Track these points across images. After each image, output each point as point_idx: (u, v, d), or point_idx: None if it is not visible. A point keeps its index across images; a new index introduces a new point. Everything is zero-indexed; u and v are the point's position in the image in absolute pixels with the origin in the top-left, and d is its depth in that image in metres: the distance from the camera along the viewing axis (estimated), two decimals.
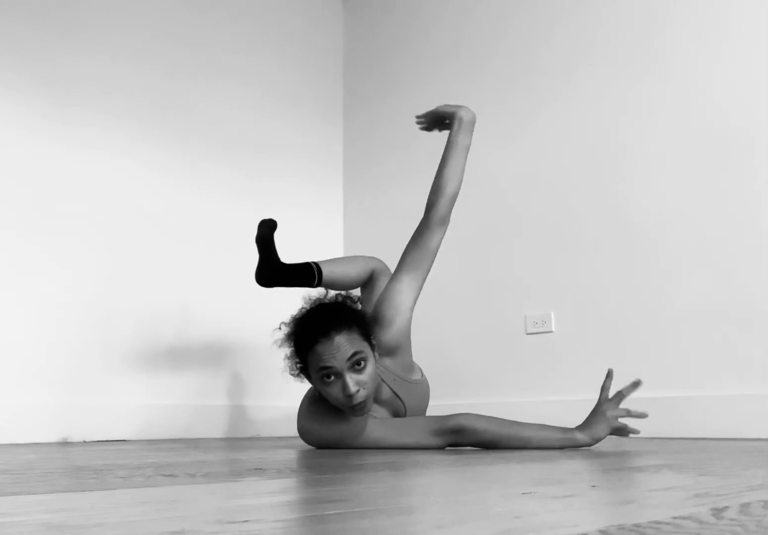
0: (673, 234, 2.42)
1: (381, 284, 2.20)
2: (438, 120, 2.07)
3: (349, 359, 1.61)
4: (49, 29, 2.68)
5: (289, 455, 1.58)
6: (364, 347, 1.66)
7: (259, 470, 1.14)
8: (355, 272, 2.21)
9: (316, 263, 2.16)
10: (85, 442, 2.43)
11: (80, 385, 2.53)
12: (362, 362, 1.63)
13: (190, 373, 2.85)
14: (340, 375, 1.62)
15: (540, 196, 2.81)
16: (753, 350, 2.18)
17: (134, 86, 2.89)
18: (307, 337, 1.65)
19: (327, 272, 2.15)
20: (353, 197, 3.56)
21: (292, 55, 3.52)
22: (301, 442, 2.02)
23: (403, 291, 1.85)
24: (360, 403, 1.64)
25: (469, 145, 1.96)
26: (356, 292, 2.28)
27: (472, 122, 1.98)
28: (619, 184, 2.59)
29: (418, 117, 2.09)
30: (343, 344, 1.61)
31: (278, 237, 2.24)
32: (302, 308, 1.76)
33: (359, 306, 1.80)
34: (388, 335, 1.81)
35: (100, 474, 1.08)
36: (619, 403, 1.60)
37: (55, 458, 1.55)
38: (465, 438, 1.65)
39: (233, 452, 1.81)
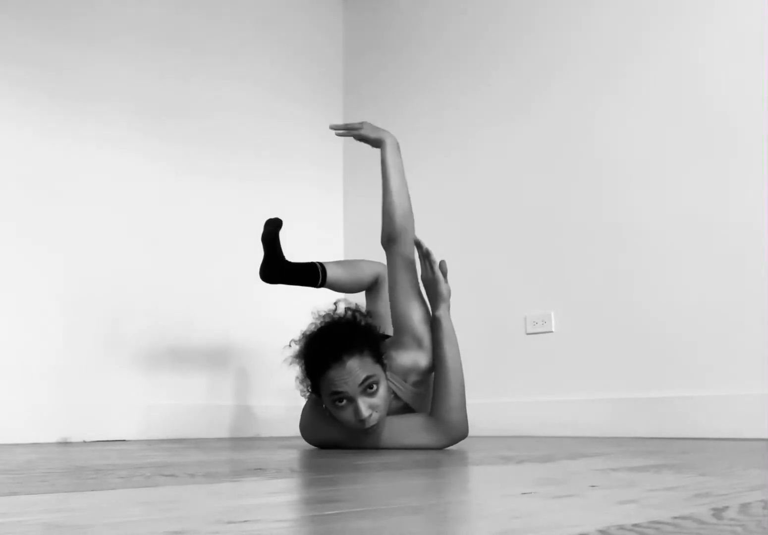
0: (673, 234, 2.42)
1: (386, 290, 2.20)
2: (363, 140, 2.05)
3: (362, 383, 1.59)
4: (52, 30, 2.68)
5: (290, 455, 1.58)
6: (377, 369, 1.63)
7: (259, 470, 1.14)
8: (360, 276, 2.20)
9: (320, 264, 2.16)
10: (85, 442, 2.43)
11: (80, 385, 2.53)
12: (374, 386, 1.61)
13: (191, 373, 2.85)
14: (352, 400, 1.60)
15: (540, 196, 2.81)
16: (752, 350, 2.18)
17: (133, 88, 2.89)
18: (318, 361, 1.63)
19: (331, 273, 2.15)
20: (353, 195, 3.56)
21: (292, 54, 3.52)
22: (301, 442, 2.02)
23: (423, 313, 1.83)
24: (371, 426, 1.63)
25: (402, 164, 1.99)
26: (360, 296, 2.27)
27: (398, 145, 2.02)
28: (618, 186, 2.58)
29: (337, 128, 2.06)
30: (356, 369, 1.59)
31: (280, 232, 2.23)
32: (312, 324, 1.73)
33: (370, 320, 1.76)
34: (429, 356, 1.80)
35: (100, 474, 1.08)
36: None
37: (55, 458, 1.55)
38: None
39: (233, 452, 1.81)
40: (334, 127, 2.07)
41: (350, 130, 2.05)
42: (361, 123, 2.04)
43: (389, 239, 1.91)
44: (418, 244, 1.81)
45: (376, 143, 2.02)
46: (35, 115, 2.61)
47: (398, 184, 1.94)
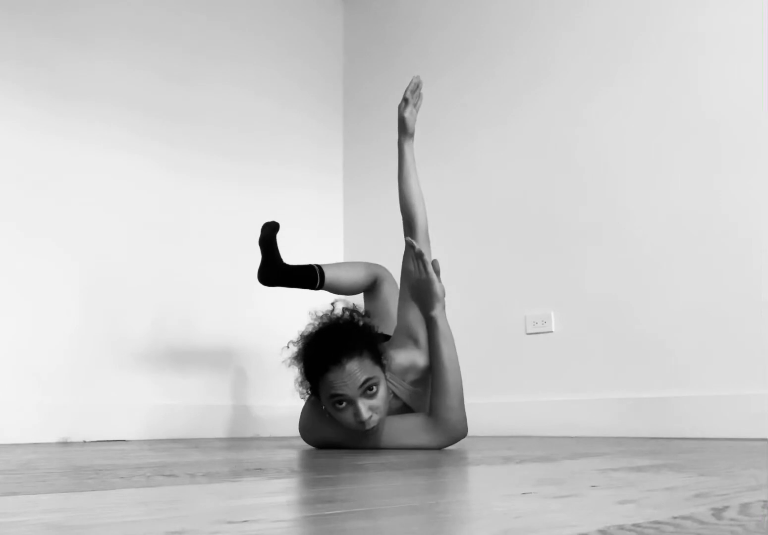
0: (673, 235, 2.42)
1: (384, 291, 2.20)
2: (408, 116, 2.07)
3: (361, 385, 1.58)
4: (52, 30, 2.68)
5: (289, 455, 1.58)
6: (376, 371, 1.62)
7: (259, 470, 1.14)
8: (358, 277, 2.20)
9: (318, 266, 2.16)
10: (85, 442, 2.43)
11: (80, 385, 2.53)
12: (374, 387, 1.60)
13: (191, 373, 2.85)
14: (352, 402, 1.60)
15: (540, 196, 2.81)
16: (752, 350, 2.18)
17: (133, 90, 2.88)
18: (317, 364, 1.62)
19: (329, 275, 2.15)
20: (353, 199, 3.56)
21: (292, 57, 3.51)
22: (301, 442, 2.02)
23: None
24: (372, 427, 1.63)
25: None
26: (359, 298, 2.27)
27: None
28: (618, 186, 2.58)
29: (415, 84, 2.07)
30: (355, 372, 1.58)
31: (279, 239, 2.24)
32: (310, 325, 1.72)
33: (368, 320, 1.76)
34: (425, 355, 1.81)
35: (100, 474, 1.08)
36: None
37: (55, 458, 1.55)
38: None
39: (233, 452, 1.81)
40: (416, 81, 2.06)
41: (416, 96, 2.07)
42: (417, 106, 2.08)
43: (409, 228, 1.95)
44: (411, 245, 1.78)
45: (409, 129, 2.05)
46: (36, 115, 2.61)
47: (415, 174, 2.02)
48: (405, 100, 2.04)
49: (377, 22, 3.64)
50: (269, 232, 2.20)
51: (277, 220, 2.26)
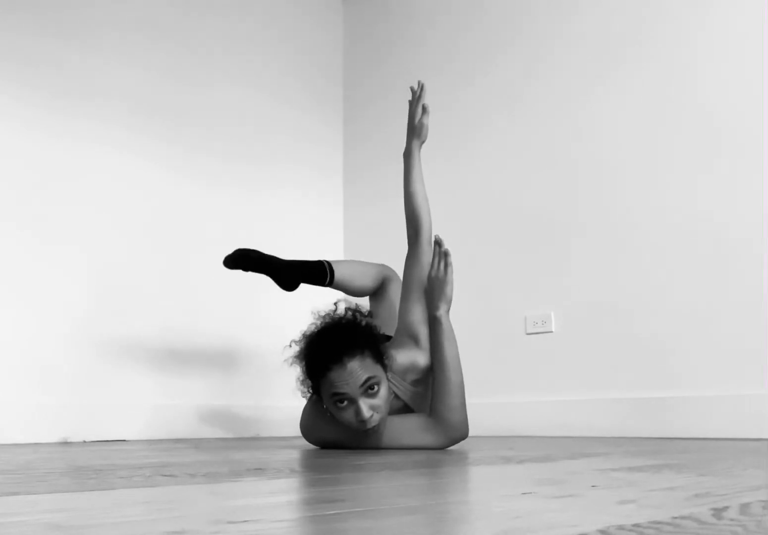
0: (673, 235, 2.42)
1: (391, 292, 2.20)
2: (419, 126, 2.07)
3: (363, 384, 1.59)
4: (52, 29, 2.68)
5: (290, 455, 1.58)
6: (377, 370, 1.63)
7: (259, 470, 1.14)
8: (367, 277, 2.20)
9: (328, 262, 2.15)
10: (85, 442, 2.43)
11: (81, 385, 2.53)
12: (375, 387, 1.61)
13: (191, 373, 2.85)
14: (353, 401, 1.60)
15: (540, 196, 2.81)
16: (752, 350, 2.18)
17: (133, 89, 2.88)
18: (319, 363, 1.63)
19: (339, 273, 2.14)
20: (353, 202, 3.55)
21: (292, 57, 3.51)
22: (301, 442, 2.02)
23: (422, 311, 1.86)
24: (373, 426, 1.63)
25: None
26: (364, 300, 2.26)
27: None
28: (618, 186, 2.58)
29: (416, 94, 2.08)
30: (357, 370, 1.58)
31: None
32: (312, 324, 1.73)
33: (370, 320, 1.76)
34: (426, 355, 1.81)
35: (100, 474, 1.08)
36: None
37: (55, 458, 1.55)
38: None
39: (233, 452, 1.81)
40: (417, 90, 2.07)
41: (421, 106, 2.06)
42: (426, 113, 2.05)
43: (411, 239, 1.95)
44: (438, 243, 1.81)
45: (418, 136, 2.05)
46: (36, 115, 2.60)
47: (421, 178, 2.04)
48: (423, 108, 2.03)
49: (377, 21, 3.64)
50: (255, 257, 2.13)
51: (247, 248, 2.17)
